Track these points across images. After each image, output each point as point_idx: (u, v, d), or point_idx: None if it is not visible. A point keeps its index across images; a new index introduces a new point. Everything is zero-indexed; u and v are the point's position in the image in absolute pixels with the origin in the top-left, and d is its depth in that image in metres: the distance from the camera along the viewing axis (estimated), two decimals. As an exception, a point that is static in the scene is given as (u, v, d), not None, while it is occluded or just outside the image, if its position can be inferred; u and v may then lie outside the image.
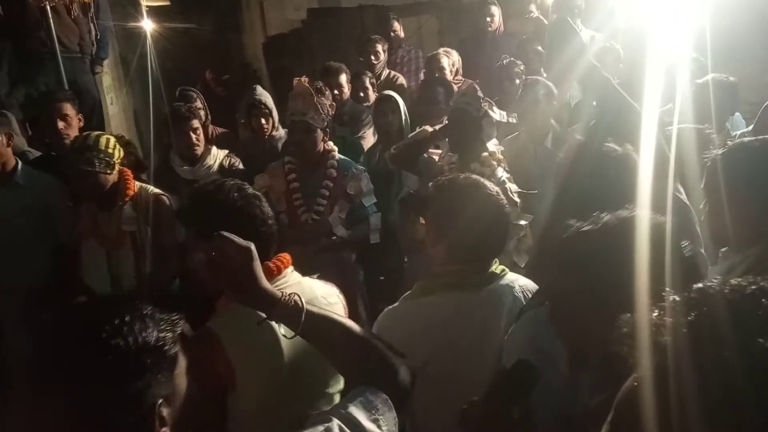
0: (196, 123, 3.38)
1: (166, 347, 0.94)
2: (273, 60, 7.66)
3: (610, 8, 3.77)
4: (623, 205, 1.26)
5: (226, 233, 1.16)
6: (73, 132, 3.27)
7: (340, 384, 1.83)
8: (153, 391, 0.91)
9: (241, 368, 1.65)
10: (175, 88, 5.12)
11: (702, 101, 2.77)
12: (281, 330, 1.67)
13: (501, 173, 2.82)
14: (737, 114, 3.05)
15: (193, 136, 3.35)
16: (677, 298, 0.69)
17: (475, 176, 1.93)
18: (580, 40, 2.06)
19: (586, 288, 1.17)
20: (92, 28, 4.62)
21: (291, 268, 1.84)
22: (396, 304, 1.88)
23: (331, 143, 3.10)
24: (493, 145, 2.91)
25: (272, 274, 1.73)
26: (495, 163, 2.86)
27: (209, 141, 3.54)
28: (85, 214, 2.89)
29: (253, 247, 1.17)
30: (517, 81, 3.75)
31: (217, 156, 3.46)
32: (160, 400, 0.92)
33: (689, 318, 0.64)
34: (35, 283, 2.99)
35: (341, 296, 1.88)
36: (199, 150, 3.38)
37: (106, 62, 5.14)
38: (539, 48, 4.01)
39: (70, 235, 2.97)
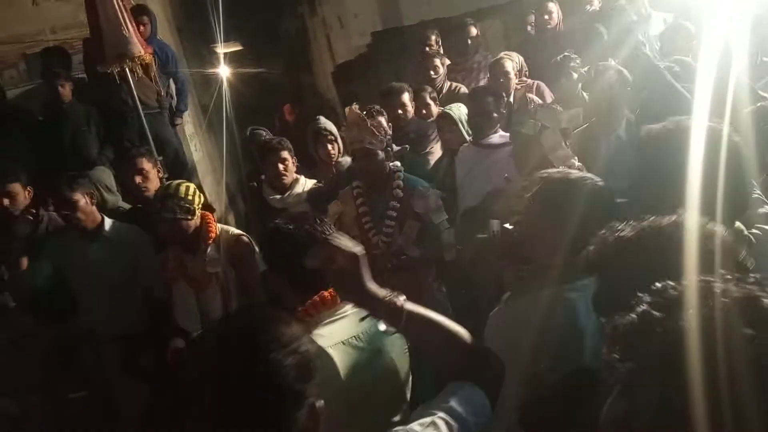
0: (285, 154, 3.56)
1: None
2: (342, 87, 7.86)
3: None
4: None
5: (335, 240, 1.30)
6: (152, 184, 3.49)
7: (403, 413, 1.82)
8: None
9: None
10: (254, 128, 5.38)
11: None
12: (381, 326, 1.70)
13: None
14: None
15: (281, 166, 3.53)
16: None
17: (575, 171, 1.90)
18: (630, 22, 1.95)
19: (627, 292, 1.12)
20: (169, 82, 4.94)
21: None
22: (501, 305, 1.87)
23: (397, 163, 3.12)
24: (563, 153, 2.78)
25: (325, 304, 1.77)
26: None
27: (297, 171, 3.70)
28: (172, 259, 3.07)
29: (360, 251, 1.30)
30: (575, 75, 3.61)
31: (305, 185, 3.61)
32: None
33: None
34: (130, 331, 3.18)
35: None
36: (288, 179, 3.54)
37: (186, 112, 5.48)
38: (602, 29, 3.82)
39: (157, 281, 3.14)
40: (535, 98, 3.97)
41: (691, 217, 1.19)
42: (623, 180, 1.89)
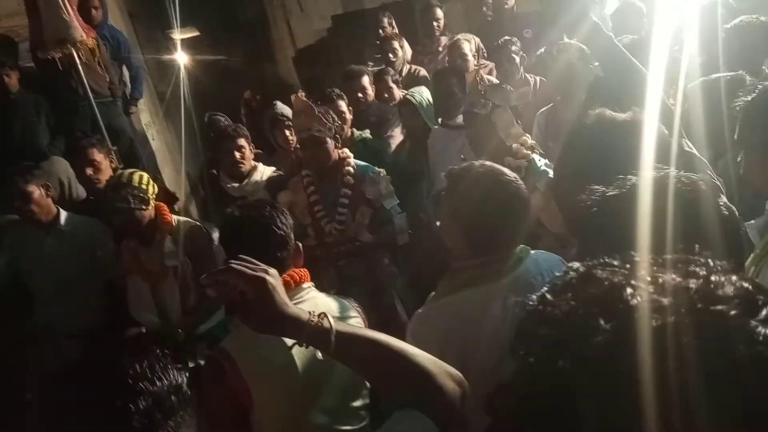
0: (241, 141, 3.49)
1: (185, 387, 0.97)
2: (304, 71, 7.75)
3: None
4: (626, 172, 1.16)
5: (236, 263, 1.07)
6: (104, 176, 3.39)
7: (364, 398, 1.80)
8: (183, 429, 0.94)
9: (257, 385, 1.67)
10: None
11: (733, 46, 2.57)
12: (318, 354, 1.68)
13: (540, 162, 2.68)
14: None
15: (238, 153, 3.45)
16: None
17: (489, 163, 1.84)
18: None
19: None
20: (122, 70, 4.78)
21: (309, 284, 1.83)
22: (423, 307, 1.82)
23: (346, 150, 3.08)
24: (515, 131, 2.76)
25: (287, 287, 1.73)
26: (528, 151, 2.73)
27: (255, 158, 3.63)
28: (126, 251, 2.98)
29: (269, 275, 1.07)
30: (517, 59, 3.63)
31: (264, 172, 3.54)
32: None
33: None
34: (91, 324, 3.10)
35: (359, 310, 1.88)
36: (245, 167, 3.48)
37: (141, 100, 5.32)
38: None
39: (115, 273, 3.06)
40: (488, 78, 3.95)
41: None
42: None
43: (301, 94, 3.07)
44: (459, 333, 1.67)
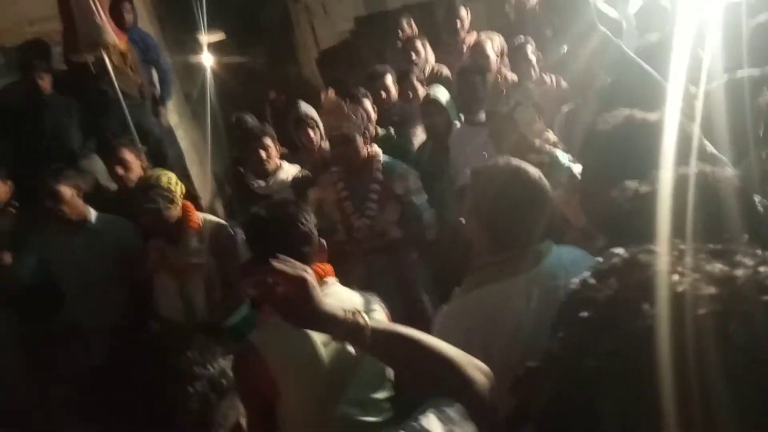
0: (267, 140, 3.58)
1: (230, 371, 1.06)
2: (327, 72, 7.82)
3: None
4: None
5: (278, 263, 1.13)
6: (134, 175, 3.47)
7: (387, 390, 1.84)
8: (234, 410, 1.03)
9: (283, 378, 1.72)
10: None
11: (757, 44, 2.55)
12: (319, 339, 1.72)
13: (563, 158, 2.68)
14: None
15: (263, 153, 3.53)
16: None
17: (513, 160, 1.85)
18: (592, 7, 1.93)
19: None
20: (152, 72, 4.88)
21: (333, 278, 1.88)
22: (449, 303, 1.85)
23: (375, 147, 3.12)
24: (538, 127, 2.77)
25: None
26: (550, 147, 2.73)
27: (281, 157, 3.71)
28: (153, 250, 3.06)
29: (308, 273, 1.13)
30: (533, 59, 3.70)
31: (289, 171, 3.62)
32: (242, 418, 1.04)
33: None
34: (119, 321, 3.17)
35: (383, 305, 1.92)
36: (270, 166, 3.55)
37: (170, 102, 5.43)
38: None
39: (142, 272, 3.14)
40: (511, 76, 3.95)
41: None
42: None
43: (332, 92, 3.12)
44: (483, 328, 1.68)
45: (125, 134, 4.12)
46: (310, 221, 1.88)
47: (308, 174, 3.61)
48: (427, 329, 3.24)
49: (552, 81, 3.68)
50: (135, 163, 3.52)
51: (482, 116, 3.35)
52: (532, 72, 3.65)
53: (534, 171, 1.79)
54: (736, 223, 1.07)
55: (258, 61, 8.54)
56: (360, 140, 2.99)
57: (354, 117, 2.97)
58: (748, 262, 0.55)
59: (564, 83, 3.50)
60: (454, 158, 3.44)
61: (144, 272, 3.08)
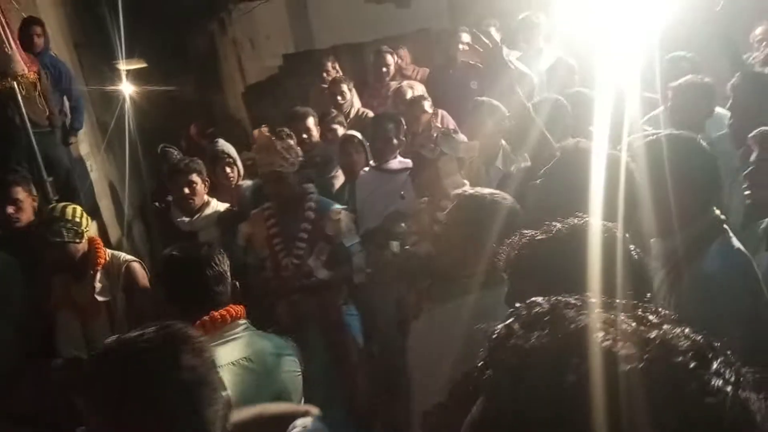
0: (193, 176, 3.52)
1: None
2: (253, 108, 7.87)
3: (567, 20, 3.89)
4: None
5: None
6: (25, 215, 3.23)
7: None
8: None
9: None
10: (156, 149, 5.27)
11: (680, 104, 2.84)
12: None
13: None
14: (718, 110, 3.10)
15: (188, 189, 3.49)
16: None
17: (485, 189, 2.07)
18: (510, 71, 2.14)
19: (540, 292, 1.21)
20: (63, 100, 4.76)
21: (244, 321, 1.90)
22: (423, 314, 1.96)
23: (311, 185, 3.17)
24: (457, 179, 2.93)
25: (215, 324, 1.81)
26: None
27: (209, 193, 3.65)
28: (57, 285, 2.96)
29: None
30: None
31: (217, 207, 3.58)
32: None
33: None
34: (10, 365, 2.97)
35: (295, 348, 1.96)
36: (196, 202, 3.52)
37: (81, 131, 5.30)
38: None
39: (35, 311, 2.99)
40: (443, 125, 4.15)
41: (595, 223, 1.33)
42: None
43: (264, 129, 3.15)
44: (473, 333, 1.77)
45: (31, 164, 3.98)
46: (223, 263, 1.92)
47: (235, 211, 3.60)
48: (352, 373, 3.26)
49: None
50: (27, 203, 3.25)
51: (392, 164, 3.50)
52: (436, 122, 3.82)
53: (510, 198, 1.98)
54: (614, 270, 1.20)
55: (183, 91, 8.47)
56: (292, 178, 3.04)
57: (286, 154, 3.02)
58: (655, 321, 0.61)
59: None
60: (360, 201, 3.52)
61: (44, 309, 2.96)
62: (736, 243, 1.91)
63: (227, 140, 4.12)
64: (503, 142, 3.33)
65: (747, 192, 2.17)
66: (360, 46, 7.36)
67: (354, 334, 3.16)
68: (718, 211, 1.92)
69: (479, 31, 4.48)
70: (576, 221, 1.32)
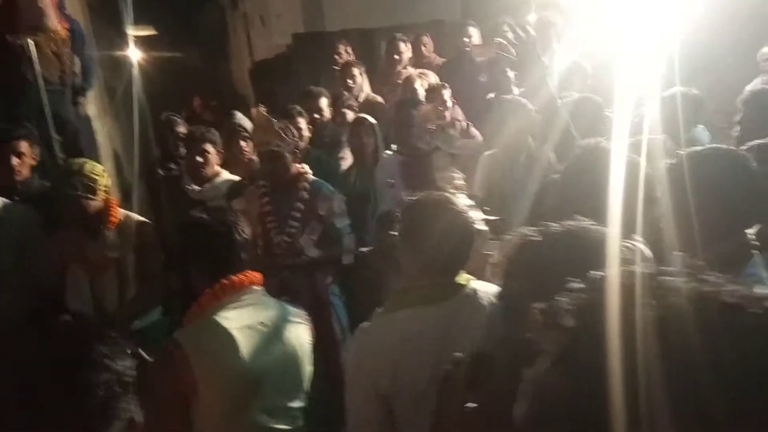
0: (207, 146, 3.59)
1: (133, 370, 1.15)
2: (260, 85, 7.90)
3: (583, 25, 3.99)
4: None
5: None
6: (25, 170, 3.33)
7: (301, 401, 1.98)
8: (129, 407, 1.11)
9: (203, 377, 1.82)
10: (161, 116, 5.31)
11: (667, 114, 2.95)
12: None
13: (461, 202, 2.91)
14: (699, 127, 3.21)
15: (201, 158, 3.56)
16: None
17: (442, 194, 2.06)
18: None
19: (533, 292, 1.25)
20: (75, 60, 4.80)
21: (260, 288, 2.00)
22: (370, 320, 1.98)
23: (305, 166, 3.26)
24: (449, 174, 3.01)
25: (234, 287, 1.90)
26: (453, 191, 2.96)
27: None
28: (69, 240, 3.04)
29: None
30: None
31: (228, 179, 3.66)
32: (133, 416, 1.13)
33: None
34: (17, 316, 3.06)
35: (308, 318, 2.07)
36: (208, 171, 3.59)
37: (91, 92, 5.33)
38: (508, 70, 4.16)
39: (48, 265, 3.07)
40: (448, 118, 4.23)
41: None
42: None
43: (262, 108, 3.24)
44: (395, 349, 1.81)
45: (41, 121, 4.03)
46: (246, 230, 2.02)
47: (244, 183, 3.67)
48: (335, 352, 3.36)
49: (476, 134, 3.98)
50: (28, 158, 3.35)
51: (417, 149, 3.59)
52: (446, 114, 3.92)
53: (463, 207, 1.99)
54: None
55: (190, 60, 8.46)
56: (289, 157, 3.13)
57: (284, 134, 3.10)
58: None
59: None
60: (380, 185, 3.62)
61: (52, 265, 3.04)
62: (764, 270, 1.82)
63: (228, 110, 4.18)
64: (530, 139, 3.39)
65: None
66: (371, 31, 7.41)
67: (338, 314, 3.25)
68: (750, 234, 1.85)
69: (517, 25, 4.58)
70: (573, 223, 1.34)
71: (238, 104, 7.85)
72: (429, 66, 5.14)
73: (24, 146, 3.38)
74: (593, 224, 1.34)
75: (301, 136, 3.62)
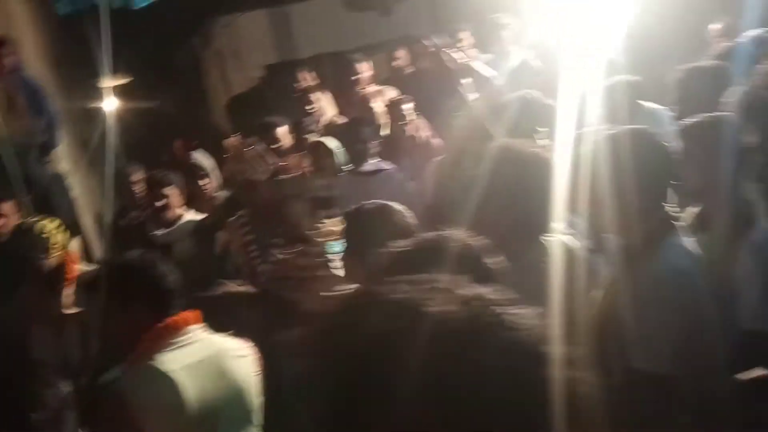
0: (168, 189, 3.60)
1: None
2: (237, 119, 7.97)
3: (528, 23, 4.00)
4: None
5: None
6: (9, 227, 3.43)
7: (257, 429, 1.97)
8: None
9: (149, 423, 1.81)
10: (142, 164, 5.36)
11: (610, 103, 2.93)
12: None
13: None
14: (659, 107, 3.18)
15: (163, 201, 3.58)
16: None
17: (380, 202, 2.16)
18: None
19: None
20: (39, 117, 4.88)
21: (199, 325, 2.00)
22: None
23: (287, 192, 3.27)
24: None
25: (168, 331, 1.90)
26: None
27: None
28: (30, 299, 3.06)
29: None
30: None
31: (192, 218, 3.70)
32: None
33: None
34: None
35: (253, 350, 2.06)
36: (171, 214, 3.60)
37: (62, 148, 5.40)
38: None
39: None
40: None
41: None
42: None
43: (234, 138, 3.27)
44: None
45: (9, 182, 4.09)
46: (172, 272, 2.03)
47: (207, 221, 3.70)
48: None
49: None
50: (12, 216, 3.47)
51: (367, 167, 3.60)
52: (407, 128, 3.94)
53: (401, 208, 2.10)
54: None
55: (167, 106, 8.55)
56: (264, 185, 3.14)
57: (256, 162, 3.12)
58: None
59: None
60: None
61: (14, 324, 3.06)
62: (686, 240, 1.96)
63: (213, 152, 4.22)
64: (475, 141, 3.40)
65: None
66: (343, 54, 7.47)
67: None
68: (669, 208, 1.96)
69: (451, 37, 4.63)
70: (437, 234, 1.44)
71: (219, 141, 7.92)
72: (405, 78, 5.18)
73: (5, 207, 3.46)
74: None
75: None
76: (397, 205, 2.08)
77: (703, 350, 1.80)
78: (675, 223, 1.92)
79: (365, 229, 1.99)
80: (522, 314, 0.64)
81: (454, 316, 0.61)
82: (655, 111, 3.20)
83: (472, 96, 3.69)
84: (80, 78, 6.91)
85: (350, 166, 3.71)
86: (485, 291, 0.67)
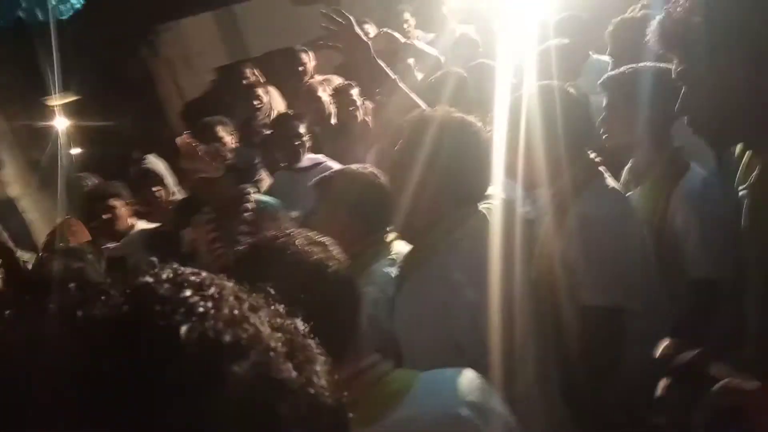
0: (112, 201, 3.55)
1: None
2: (194, 124, 7.89)
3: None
4: None
5: None
6: None
7: None
8: None
9: None
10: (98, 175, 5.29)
11: (545, 66, 2.96)
12: None
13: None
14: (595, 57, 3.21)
15: (108, 215, 3.55)
16: None
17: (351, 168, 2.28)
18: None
19: None
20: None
21: None
22: None
23: (247, 185, 3.24)
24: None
25: None
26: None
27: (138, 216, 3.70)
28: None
29: None
30: None
31: (143, 228, 3.63)
32: None
33: None
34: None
35: None
36: (120, 226, 3.57)
37: (10, 173, 5.31)
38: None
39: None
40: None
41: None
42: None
43: (185, 136, 3.22)
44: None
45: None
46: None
47: (159, 229, 3.65)
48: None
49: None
50: None
51: (304, 162, 3.58)
52: (357, 113, 3.93)
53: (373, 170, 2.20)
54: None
55: (121, 120, 8.45)
56: (222, 180, 3.10)
57: (212, 159, 3.08)
58: None
59: None
60: None
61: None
62: (612, 183, 2.04)
63: (173, 160, 4.13)
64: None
65: (604, 138, 2.29)
66: (294, 49, 7.44)
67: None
68: (593, 155, 2.04)
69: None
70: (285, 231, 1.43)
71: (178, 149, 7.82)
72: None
73: None
74: None
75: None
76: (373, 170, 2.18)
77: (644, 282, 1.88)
78: (600, 169, 2.01)
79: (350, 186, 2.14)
80: None
81: None
82: (602, 63, 3.22)
83: (417, 75, 3.69)
84: (27, 98, 6.80)
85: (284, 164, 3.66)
86: None
